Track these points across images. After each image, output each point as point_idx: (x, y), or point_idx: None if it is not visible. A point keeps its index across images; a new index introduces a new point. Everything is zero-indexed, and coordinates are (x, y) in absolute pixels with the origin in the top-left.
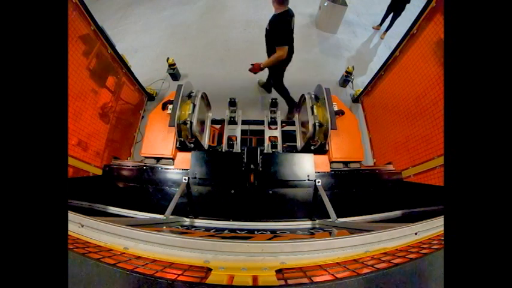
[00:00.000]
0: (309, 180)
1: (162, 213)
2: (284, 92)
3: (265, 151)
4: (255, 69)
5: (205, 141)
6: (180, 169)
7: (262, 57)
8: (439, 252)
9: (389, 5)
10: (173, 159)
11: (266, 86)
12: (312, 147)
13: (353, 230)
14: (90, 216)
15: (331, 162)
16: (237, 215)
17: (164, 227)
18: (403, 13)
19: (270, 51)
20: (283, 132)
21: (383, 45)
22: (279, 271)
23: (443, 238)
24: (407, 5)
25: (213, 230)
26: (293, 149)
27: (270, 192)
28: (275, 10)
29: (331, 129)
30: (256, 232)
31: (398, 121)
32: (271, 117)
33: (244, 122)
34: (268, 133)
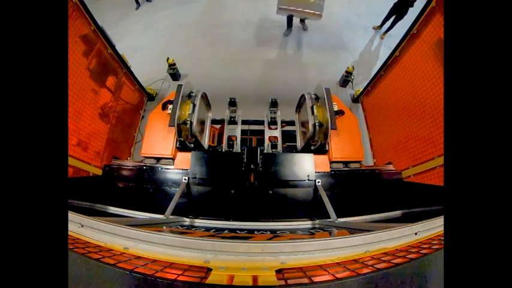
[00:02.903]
0: (309, 180)
1: (162, 213)
2: None
3: (265, 151)
4: None
5: (205, 141)
6: (180, 169)
7: (262, 57)
8: (439, 252)
9: (392, 8)
10: (173, 159)
11: None
12: (312, 147)
13: (353, 230)
14: (90, 216)
15: (331, 162)
16: (237, 215)
17: (164, 227)
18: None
19: None
20: (283, 132)
21: (383, 46)
22: (279, 271)
23: (443, 238)
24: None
25: (213, 230)
26: (293, 149)
27: (270, 192)
28: None
29: (331, 129)
30: (256, 232)
31: (398, 121)
32: (271, 117)
33: (244, 122)
34: (268, 133)
